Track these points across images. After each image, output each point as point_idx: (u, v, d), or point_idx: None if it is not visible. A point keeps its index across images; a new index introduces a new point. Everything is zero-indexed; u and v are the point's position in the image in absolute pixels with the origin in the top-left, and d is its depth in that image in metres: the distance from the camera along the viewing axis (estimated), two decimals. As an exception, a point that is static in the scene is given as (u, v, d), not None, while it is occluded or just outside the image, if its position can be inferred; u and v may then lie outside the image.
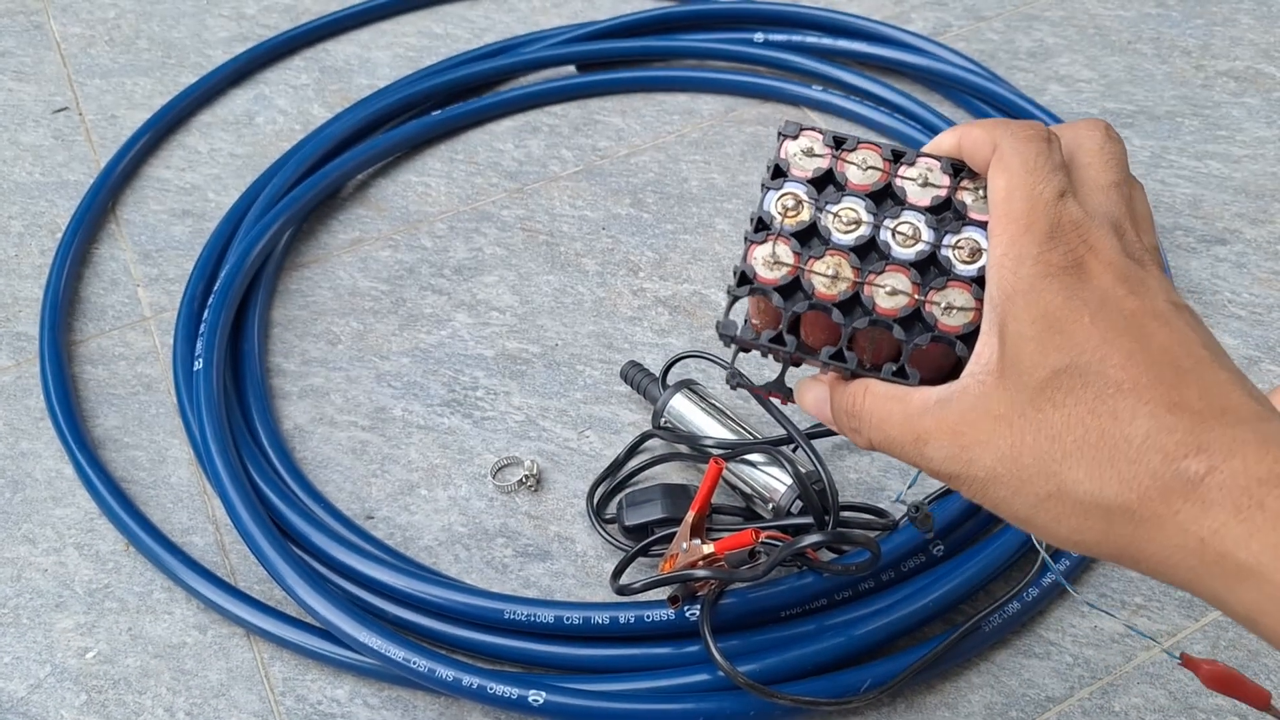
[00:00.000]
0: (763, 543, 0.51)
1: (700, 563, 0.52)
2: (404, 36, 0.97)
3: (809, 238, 0.36)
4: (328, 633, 0.56)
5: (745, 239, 0.36)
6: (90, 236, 0.80)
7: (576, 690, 0.52)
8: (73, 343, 0.73)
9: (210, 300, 0.69)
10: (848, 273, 0.35)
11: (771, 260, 0.36)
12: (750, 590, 0.54)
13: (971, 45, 0.93)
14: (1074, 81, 0.89)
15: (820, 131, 0.37)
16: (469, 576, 0.60)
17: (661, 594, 0.54)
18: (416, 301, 0.74)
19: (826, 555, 0.57)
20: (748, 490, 0.59)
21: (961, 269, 0.35)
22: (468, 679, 0.52)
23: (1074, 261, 0.31)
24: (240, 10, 1.01)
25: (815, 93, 0.86)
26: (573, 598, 0.59)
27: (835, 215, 0.36)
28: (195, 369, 0.66)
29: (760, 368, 0.68)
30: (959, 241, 0.35)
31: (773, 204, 0.36)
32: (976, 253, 0.35)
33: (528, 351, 0.71)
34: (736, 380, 0.40)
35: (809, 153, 0.37)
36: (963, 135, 0.35)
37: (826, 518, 0.55)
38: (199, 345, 0.67)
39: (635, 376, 0.66)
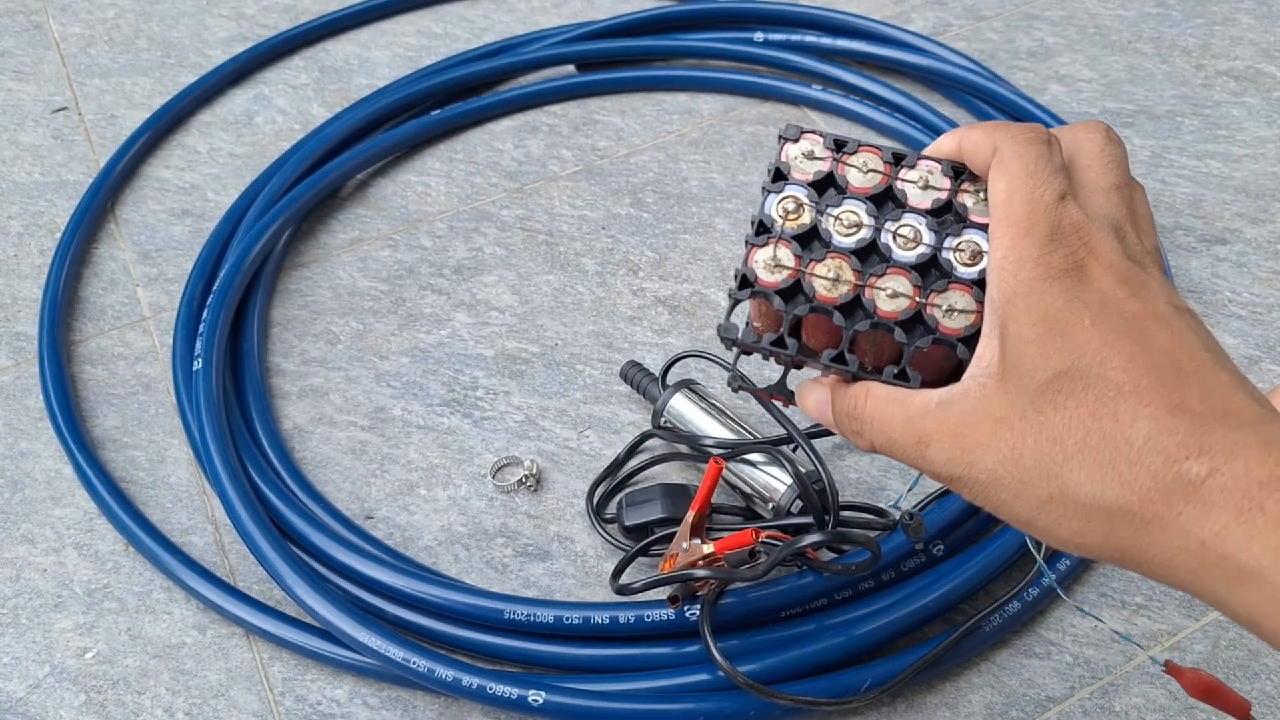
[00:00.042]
0: (763, 542, 0.51)
1: (700, 562, 0.52)
2: (403, 36, 0.97)
3: (810, 241, 0.36)
4: (327, 633, 0.55)
5: (746, 242, 0.36)
6: (89, 236, 0.80)
7: (576, 690, 0.52)
8: (72, 343, 0.73)
9: (209, 300, 0.69)
10: (849, 275, 0.35)
11: (772, 263, 0.36)
12: (750, 590, 0.54)
13: (971, 45, 0.93)
14: (1074, 81, 0.89)
15: (821, 134, 0.37)
16: (469, 576, 0.60)
17: (661, 594, 0.54)
18: (416, 301, 0.74)
19: (826, 555, 0.57)
20: (748, 490, 0.59)
21: (962, 271, 0.35)
22: (467, 679, 0.52)
23: (1074, 264, 0.31)
24: (239, 10, 1.01)
25: (815, 92, 0.86)
26: (572, 598, 0.59)
27: (836, 218, 0.36)
28: (194, 369, 0.66)
29: (760, 368, 0.67)
30: (960, 244, 0.35)
31: (773, 207, 0.36)
32: (977, 255, 0.35)
33: (527, 351, 0.71)
34: (739, 383, 0.40)
35: (809, 156, 0.37)
36: (963, 138, 0.35)
37: (826, 517, 0.55)
38: (198, 345, 0.67)
39: (635, 376, 0.66)
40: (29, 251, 0.79)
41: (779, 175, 0.37)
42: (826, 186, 0.37)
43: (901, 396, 0.34)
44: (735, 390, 0.41)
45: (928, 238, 0.35)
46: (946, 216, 0.36)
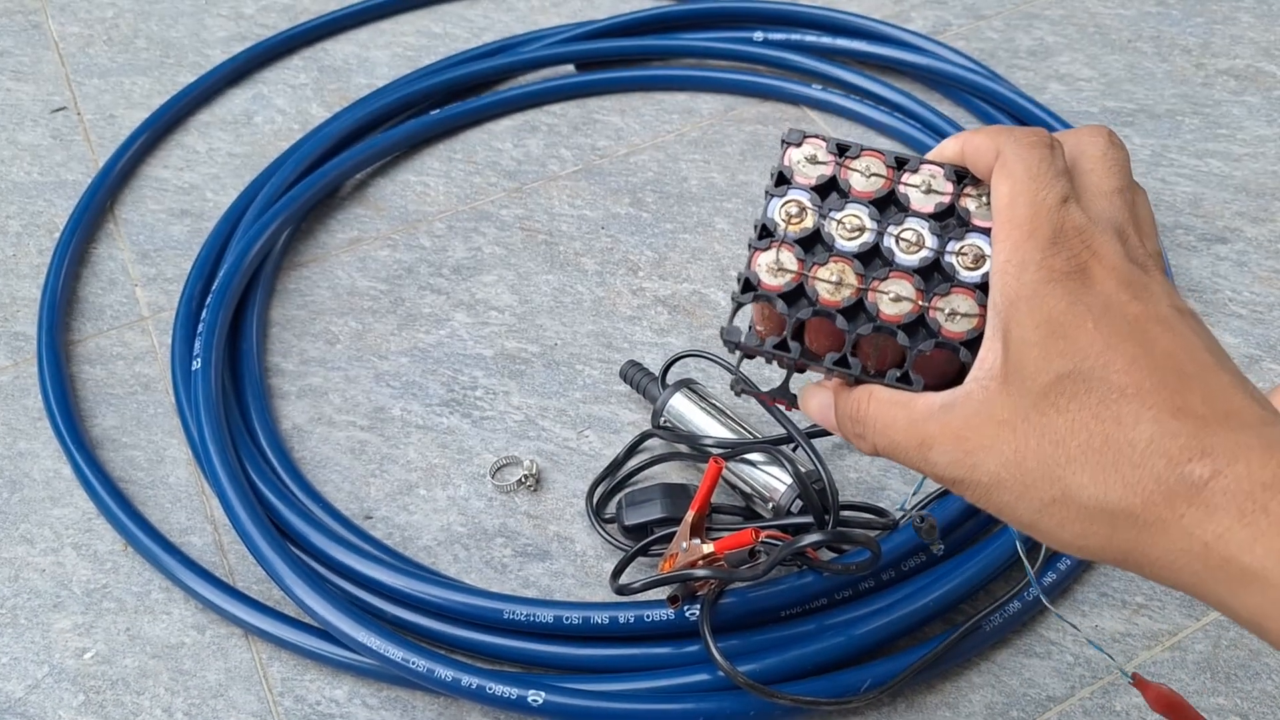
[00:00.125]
0: (763, 542, 0.51)
1: (700, 562, 0.52)
2: (402, 36, 0.97)
3: (813, 244, 0.36)
4: (326, 633, 0.55)
5: (749, 246, 0.36)
6: (88, 236, 0.79)
7: (576, 690, 0.52)
8: (71, 342, 0.73)
9: (208, 300, 0.69)
10: (851, 279, 0.35)
11: (775, 267, 0.36)
12: (750, 590, 0.54)
13: (971, 44, 0.93)
14: (1074, 80, 0.89)
15: (823, 139, 0.37)
16: (468, 576, 0.60)
17: (661, 594, 0.54)
18: (415, 301, 0.74)
19: (826, 555, 0.57)
20: (747, 490, 0.59)
21: (965, 275, 0.35)
22: (467, 679, 0.51)
23: (1077, 267, 0.31)
24: (239, 10, 1.00)
25: (815, 92, 0.86)
26: (572, 597, 0.59)
27: (839, 222, 0.36)
28: (193, 369, 0.66)
29: (762, 370, 0.67)
30: (962, 248, 0.35)
31: (776, 211, 0.37)
32: (980, 259, 0.35)
33: (527, 351, 0.71)
34: (741, 386, 0.40)
35: (812, 160, 0.37)
36: (966, 142, 0.35)
37: (826, 517, 0.55)
38: (197, 345, 0.67)
39: (634, 376, 0.66)
40: (28, 251, 0.79)
41: (781, 179, 0.37)
42: (829, 190, 0.37)
43: (904, 400, 0.34)
44: (738, 394, 0.41)
45: (930, 242, 0.35)
46: (949, 220, 0.36)
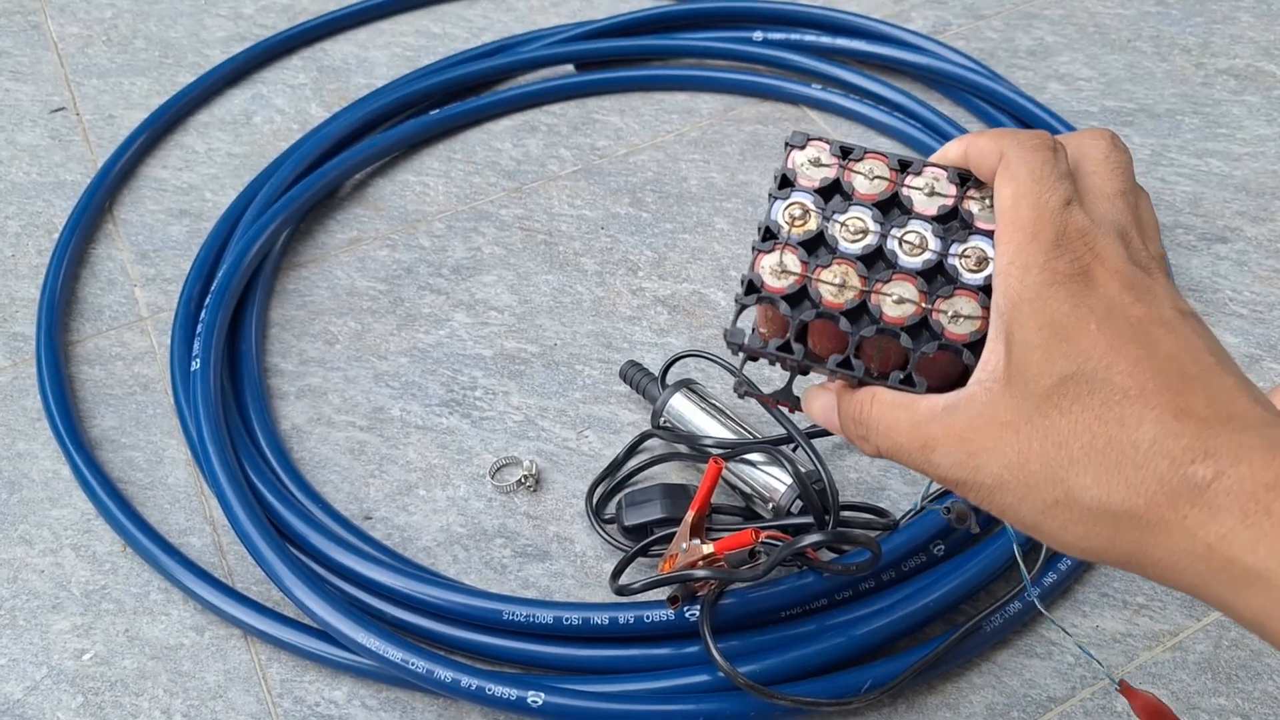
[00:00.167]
0: (763, 542, 0.51)
1: (700, 563, 0.52)
2: (402, 36, 0.97)
3: (816, 247, 0.36)
4: (325, 634, 0.55)
5: (753, 248, 0.37)
6: (87, 236, 0.79)
7: (575, 691, 0.52)
8: (70, 343, 0.73)
9: (207, 300, 0.69)
10: (855, 281, 0.35)
11: (779, 269, 0.36)
12: (750, 590, 0.54)
13: (971, 44, 0.93)
14: (1074, 80, 0.89)
15: (827, 141, 0.37)
16: (467, 577, 0.60)
17: (661, 594, 0.54)
18: (415, 301, 0.74)
19: (827, 555, 0.57)
20: (747, 490, 0.59)
21: (968, 278, 0.35)
22: (466, 680, 0.51)
23: (1080, 269, 0.31)
24: (238, 10, 1.00)
25: (815, 91, 0.86)
26: (572, 598, 0.59)
27: (842, 224, 0.36)
28: (192, 369, 0.65)
29: (763, 370, 0.67)
30: (966, 250, 0.35)
31: (780, 213, 0.37)
32: (983, 262, 0.35)
33: (526, 351, 0.71)
34: (745, 389, 0.40)
35: (816, 163, 0.37)
36: (969, 145, 0.35)
37: (827, 517, 0.55)
38: (196, 345, 0.67)
39: (634, 376, 0.66)
40: (27, 252, 0.79)
41: (785, 182, 0.37)
42: (833, 193, 0.37)
43: (907, 401, 0.35)
44: (741, 396, 0.41)
45: (933, 244, 0.35)
46: (952, 223, 0.36)
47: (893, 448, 0.35)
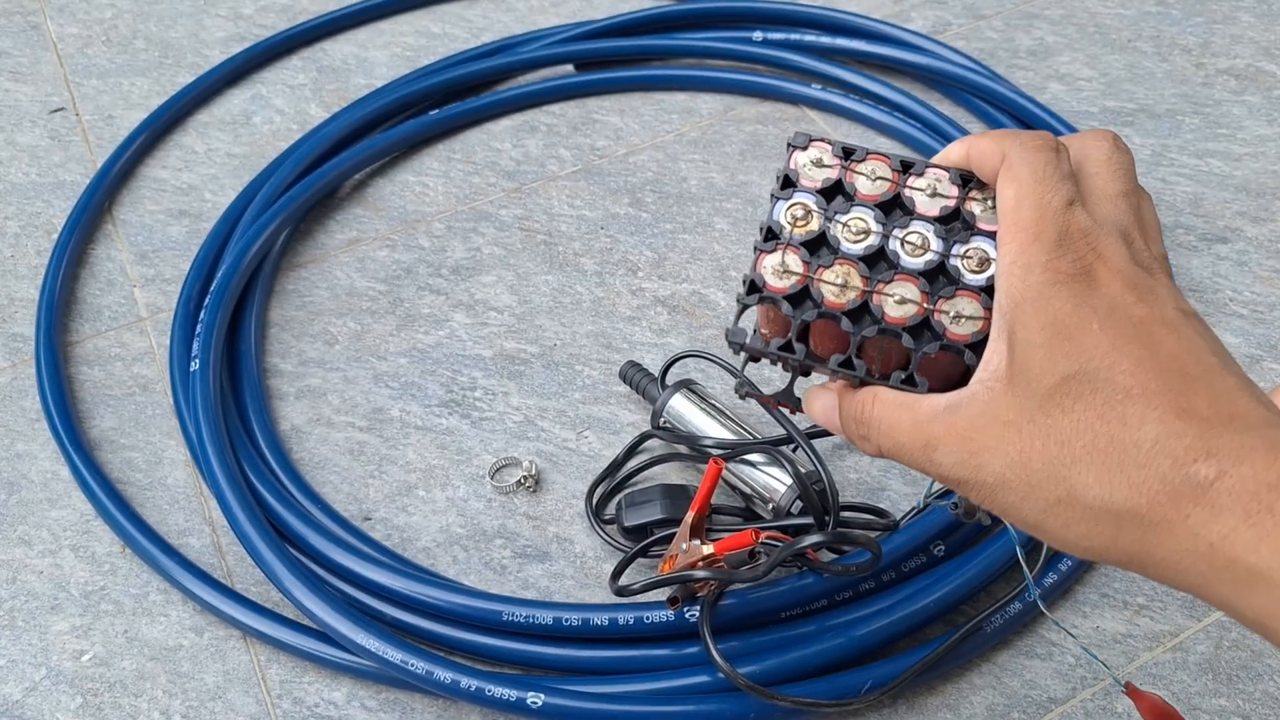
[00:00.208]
0: (763, 543, 0.51)
1: (700, 563, 0.52)
2: (401, 36, 0.97)
3: (818, 247, 0.36)
4: (325, 635, 0.55)
5: (755, 248, 0.37)
6: (86, 237, 0.79)
7: (575, 692, 0.52)
8: (69, 344, 0.73)
9: (207, 301, 0.69)
10: (857, 282, 0.35)
11: (781, 269, 0.36)
12: (750, 591, 0.54)
13: (971, 44, 0.93)
14: (1074, 80, 0.89)
15: (829, 142, 0.37)
16: (467, 578, 0.60)
17: (661, 595, 0.53)
18: (414, 301, 0.74)
19: (827, 556, 0.57)
20: (747, 490, 0.58)
21: (970, 278, 0.35)
22: (466, 681, 0.51)
23: (1082, 269, 0.31)
24: (237, 10, 1.00)
25: (814, 91, 0.86)
26: (571, 599, 0.59)
27: (844, 225, 0.36)
28: (191, 370, 0.65)
29: (763, 370, 0.67)
30: (967, 251, 0.35)
31: (782, 213, 0.37)
32: (985, 262, 0.35)
33: (526, 352, 0.71)
34: (746, 390, 0.40)
35: (818, 163, 0.37)
36: (971, 146, 0.35)
37: (827, 518, 0.55)
38: (195, 346, 0.67)
39: (634, 376, 0.66)
40: (26, 252, 0.79)
41: (787, 182, 0.37)
42: (835, 194, 0.37)
43: (909, 401, 0.35)
44: (742, 397, 0.41)
45: (935, 245, 0.35)
46: (954, 224, 0.36)
47: (894, 447, 0.35)
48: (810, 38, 0.89)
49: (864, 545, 0.51)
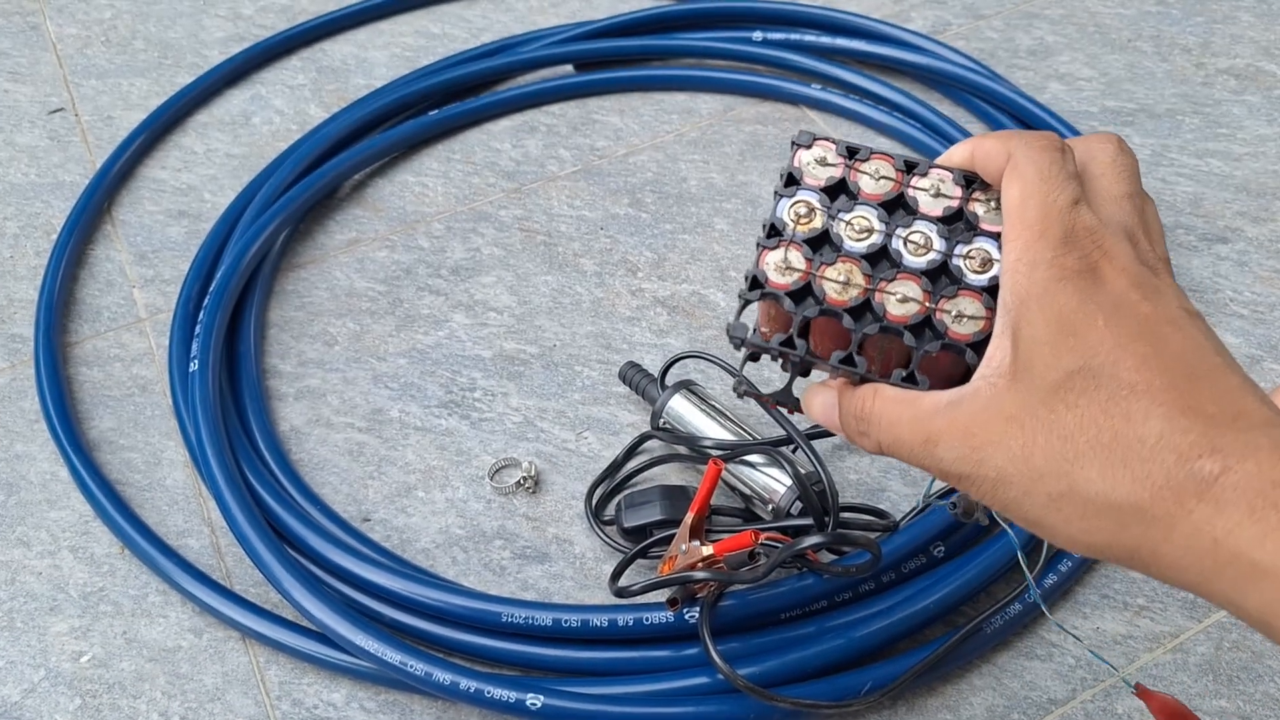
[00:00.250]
0: (762, 544, 0.51)
1: (699, 564, 0.52)
2: (401, 36, 0.97)
3: (821, 245, 0.36)
4: (324, 636, 0.55)
5: (757, 245, 0.37)
6: (86, 238, 0.79)
7: (575, 694, 0.52)
8: (68, 344, 0.72)
9: (206, 301, 0.69)
10: (859, 279, 0.35)
11: (783, 266, 0.36)
12: (750, 592, 0.54)
13: (971, 43, 0.93)
14: (1074, 80, 0.89)
15: (833, 141, 0.38)
16: (466, 579, 0.60)
17: (660, 596, 0.53)
18: (414, 302, 0.74)
19: (827, 557, 0.57)
20: (747, 491, 0.58)
21: (973, 279, 0.35)
22: (465, 682, 0.51)
23: (1088, 266, 0.31)
24: (237, 10, 1.00)
25: (814, 91, 0.86)
26: (571, 600, 0.59)
27: (848, 223, 0.36)
28: (191, 370, 0.65)
29: (762, 370, 0.67)
30: (970, 251, 0.35)
31: (785, 211, 0.37)
32: (988, 263, 0.35)
33: (525, 352, 0.71)
34: (744, 388, 0.40)
35: (822, 162, 0.37)
36: (975, 147, 0.35)
37: (826, 519, 0.55)
38: (194, 347, 0.67)
39: (634, 377, 0.66)
40: (25, 253, 0.79)
41: (791, 180, 0.37)
42: (838, 192, 0.37)
43: (910, 397, 0.35)
44: (740, 396, 0.40)
45: (938, 244, 0.35)
46: (957, 224, 0.36)
47: (894, 442, 0.35)
48: (810, 38, 0.89)
49: (864, 546, 0.51)
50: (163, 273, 0.77)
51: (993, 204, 0.36)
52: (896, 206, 0.36)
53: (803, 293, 0.36)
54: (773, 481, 0.57)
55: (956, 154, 0.36)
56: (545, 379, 0.69)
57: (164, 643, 0.57)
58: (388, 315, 0.73)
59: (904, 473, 0.63)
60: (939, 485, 0.59)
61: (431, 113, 0.86)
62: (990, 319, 0.34)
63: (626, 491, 0.62)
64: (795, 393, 0.39)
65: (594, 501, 0.61)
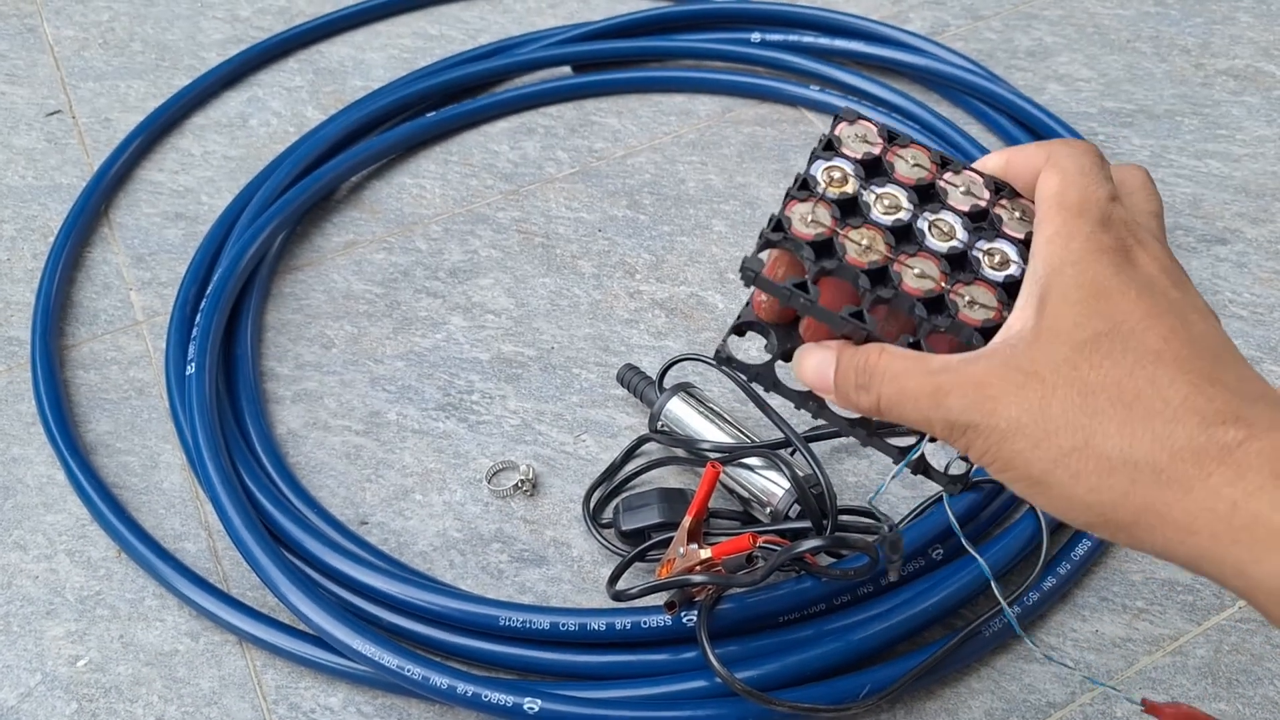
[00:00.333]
0: (760, 547, 0.51)
1: (697, 568, 0.51)
2: (398, 38, 0.97)
3: (849, 211, 0.37)
4: (321, 640, 0.55)
5: (786, 194, 0.37)
6: (83, 240, 0.79)
7: (572, 697, 0.52)
8: (64, 347, 0.72)
9: (203, 304, 0.69)
10: (880, 247, 0.36)
11: (809, 218, 0.36)
12: (748, 595, 0.54)
13: (970, 45, 0.93)
14: (1073, 81, 0.89)
15: (876, 124, 0.38)
16: (464, 582, 0.59)
17: (658, 599, 0.53)
18: (411, 304, 0.74)
19: (825, 560, 0.57)
20: (745, 494, 0.58)
21: (990, 273, 0.36)
22: (462, 686, 0.51)
23: (1123, 247, 0.32)
24: (234, 12, 1.00)
25: (813, 93, 0.86)
26: (569, 603, 0.58)
27: (878, 196, 0.37)
28: (188, 373, 0.65)
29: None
30: (991, 249, 0.36)
31: (820, 171, 0.37)
32: (1005, 262, 0.36)
33: (523, 355, 0.70)
34: (725, 355, 0.40)
35: (862, 138, 0.38)
36: (1011, 154, 0.37)
37: (825, 522, 0.54)
38: (191, 349, 0.66)
39: (632, 380, 0.66)
40: (22, 255, 0.79)
41: (829, 146, 0.38)
42: (873, 170, 0.38)
43: (918, 355, 0.35)
44: (719, 364, 0.41)
45: (961, 235, 0.36)
46: (981, 223, 0.37)
47: (898, 394, 0.34)
48: (808, 39, 0.89)
49: (862, 549, 0.50)
50: (160, 275, 0.77)
51: (1018, 214, 0.37)
52: (927, 194, 0.37)
53: (824, 247, 0.36)
54: (771, 484, 0.57)
55: (990, 162, 0.38)
56: (543, 381, 0.69)
57: (161, 647, 0.57)
58: (385, 318, 0.73)
59: (903, 475, 0.63)
60: (915, 494, 0.59)
61: (429, 114, 0.86)
62: (1001, 311, 0.35)
63: (624, 494, 0.61)
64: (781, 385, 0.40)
65: (592, 504, 0.61)
